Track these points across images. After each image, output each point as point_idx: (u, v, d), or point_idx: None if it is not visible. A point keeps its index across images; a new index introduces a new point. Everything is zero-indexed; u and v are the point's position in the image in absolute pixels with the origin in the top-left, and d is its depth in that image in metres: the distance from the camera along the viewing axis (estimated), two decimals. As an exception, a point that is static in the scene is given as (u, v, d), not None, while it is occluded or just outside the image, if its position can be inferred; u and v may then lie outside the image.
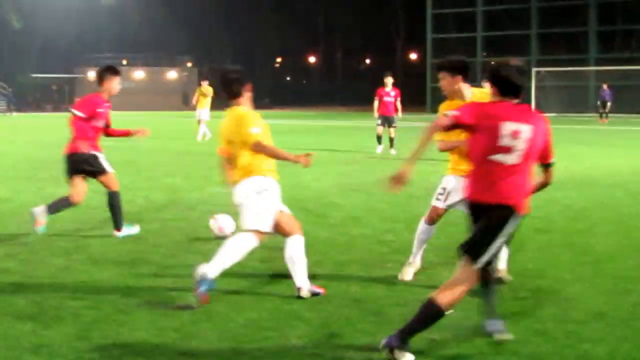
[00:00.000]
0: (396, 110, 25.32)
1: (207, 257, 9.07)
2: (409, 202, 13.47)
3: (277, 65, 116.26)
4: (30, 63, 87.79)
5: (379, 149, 24.69)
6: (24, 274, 8.32)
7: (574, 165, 20.43)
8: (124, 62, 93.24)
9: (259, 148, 7.43)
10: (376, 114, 25.21)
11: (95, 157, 10.45)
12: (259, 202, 7.46)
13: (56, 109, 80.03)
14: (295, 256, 7.47)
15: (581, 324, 6.50)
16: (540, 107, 63.48)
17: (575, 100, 63.41)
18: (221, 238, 9.66)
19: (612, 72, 61.19)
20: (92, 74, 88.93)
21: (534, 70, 66.00)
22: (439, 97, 10.98)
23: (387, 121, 25.11)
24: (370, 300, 7.26)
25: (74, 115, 10.36)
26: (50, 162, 21.32)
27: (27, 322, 6.59)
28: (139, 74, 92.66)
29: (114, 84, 10.57)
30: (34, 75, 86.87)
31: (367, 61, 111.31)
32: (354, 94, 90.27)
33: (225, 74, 7.83)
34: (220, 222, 10.45)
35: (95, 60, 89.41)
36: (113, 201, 10.57)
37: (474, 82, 11.73)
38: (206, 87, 32.18)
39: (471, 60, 67.47)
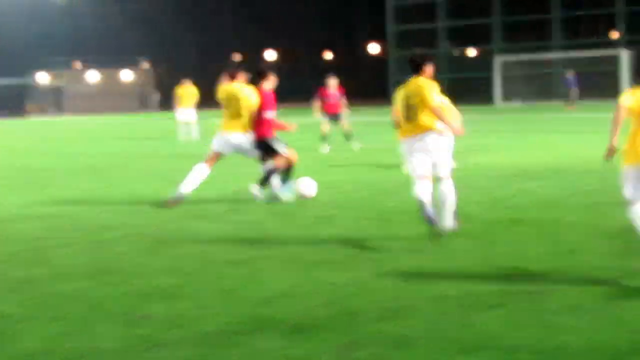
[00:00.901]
0: (341, 107, 25.15)
1: (174, 262, 9.08)
2: (376, 199, 13.53)
3: (237, 62, 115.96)
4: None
5: (325, 149, 24.11)
6: (-15, 287, 8.24)
7: (544, 154, 20.62)
8: (78, 64, 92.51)
9: (437, 111, 9.88)
10: (317, 114, 25.19)
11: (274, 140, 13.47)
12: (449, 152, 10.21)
13: (9, 115, 79.24)
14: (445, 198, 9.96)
15: (556, 316, 6.57)
16: (506, 97, 63.98)
17: (541, 89, 63.86)
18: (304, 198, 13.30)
19: (578, 59, 61.68)
20: (44, 78, 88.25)
21: (497, 59, 66.41)
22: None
23: (334, 118, 25.02)
24: (342, 301, 7.28)
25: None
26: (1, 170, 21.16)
27: (-10, 337, 6.54)
28: (93, 75, 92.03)
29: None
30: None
31: (329, 56, 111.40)
32: (316, 89, 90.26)
33: (414, 56, 10.32)
34: (303, 185, 13.48)
35: (47, 64, 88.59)
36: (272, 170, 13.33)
37: (439, 73, 11.83)
38: (189, 87, 31.95)
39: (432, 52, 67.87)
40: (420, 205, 9.79)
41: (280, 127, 13.91)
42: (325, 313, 6.92)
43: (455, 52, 79.55)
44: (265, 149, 13.38)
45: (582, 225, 10.57)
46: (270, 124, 13.38)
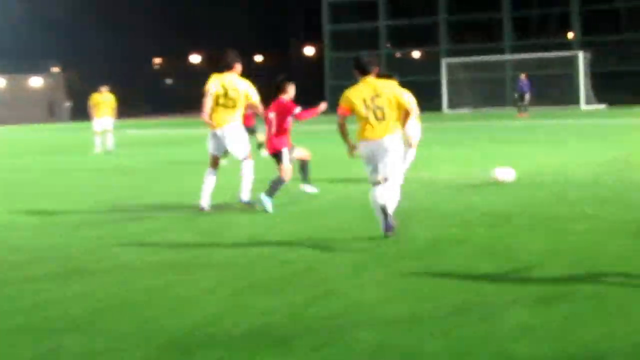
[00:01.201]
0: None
1: (88, 288, 8.97)
2: (308, 218, 13.50)
3: (157, 66, 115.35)
4: None
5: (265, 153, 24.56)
6: None
7: (492, 165, 20.78)
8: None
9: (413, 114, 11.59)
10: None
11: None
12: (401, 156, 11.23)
13: None
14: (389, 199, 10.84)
15: (508, 341, 6.61)
16: (452, 103, 64.53)
17: (491, 94, 64.58)
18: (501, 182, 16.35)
19: (530, 61, 62.55)
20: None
21: (443, 61, 67.00)
22: (339, 95, 11.21)
23: (249, 131, 25.29)
24: (273, 330, 7.23)
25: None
26: None
27: None
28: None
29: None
30: None
31: (259, 59, 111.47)
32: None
33: (360, 57, 11.22)
34: (502, 172, 16.71)
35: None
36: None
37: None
38: (107, 94, 32.09)
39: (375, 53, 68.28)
40: (378, 210, 10.83)
41: (313, 114, 15.07)
42: (255, 342, 6.89)
43: (398, 54, 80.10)
44: (279, 160, 14.52)
45: (534, 241, 10.69)
46: (287, 134, 14.66)
